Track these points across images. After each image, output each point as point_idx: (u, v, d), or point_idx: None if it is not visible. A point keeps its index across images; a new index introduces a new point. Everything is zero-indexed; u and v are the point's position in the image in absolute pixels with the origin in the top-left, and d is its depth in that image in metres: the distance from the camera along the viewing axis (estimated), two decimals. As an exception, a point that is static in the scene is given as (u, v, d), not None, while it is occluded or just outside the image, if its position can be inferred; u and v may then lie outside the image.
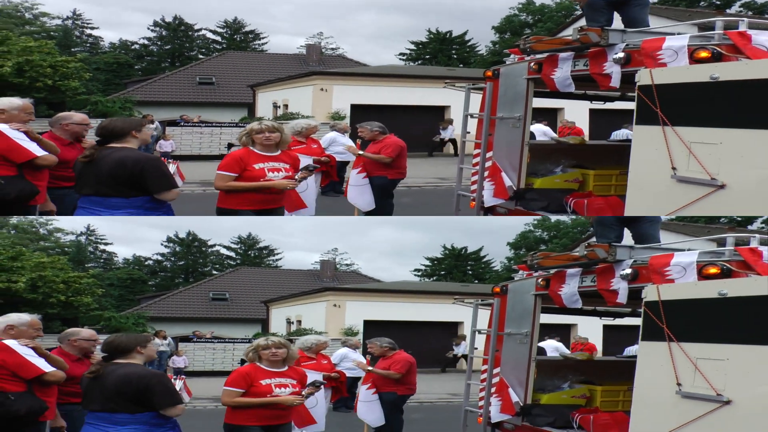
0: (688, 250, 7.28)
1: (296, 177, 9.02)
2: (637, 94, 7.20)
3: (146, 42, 63.63)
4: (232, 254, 67.72)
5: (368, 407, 13.13)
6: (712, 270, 6.72)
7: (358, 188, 13.97)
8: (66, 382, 8.11)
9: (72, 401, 8.32)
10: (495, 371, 9.39)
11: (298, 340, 13.28)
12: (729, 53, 6.88)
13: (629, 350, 18.90)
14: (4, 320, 8.02)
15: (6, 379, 7.62)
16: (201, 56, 59.65)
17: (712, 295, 6.45)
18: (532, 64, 9.01)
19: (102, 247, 67.32)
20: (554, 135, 22.52)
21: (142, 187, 7.17)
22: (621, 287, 7.60)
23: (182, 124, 28.99)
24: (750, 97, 6.50)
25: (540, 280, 8.70)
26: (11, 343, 7.76)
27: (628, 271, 7.45)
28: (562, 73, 8.58)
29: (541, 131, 22.56)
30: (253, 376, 8.44)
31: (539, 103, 9.81)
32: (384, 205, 14.04)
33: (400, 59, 61.15)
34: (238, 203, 8.88)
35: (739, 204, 6.73)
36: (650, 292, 6.92)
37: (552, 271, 8.54)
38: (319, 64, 47.92)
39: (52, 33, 55.70)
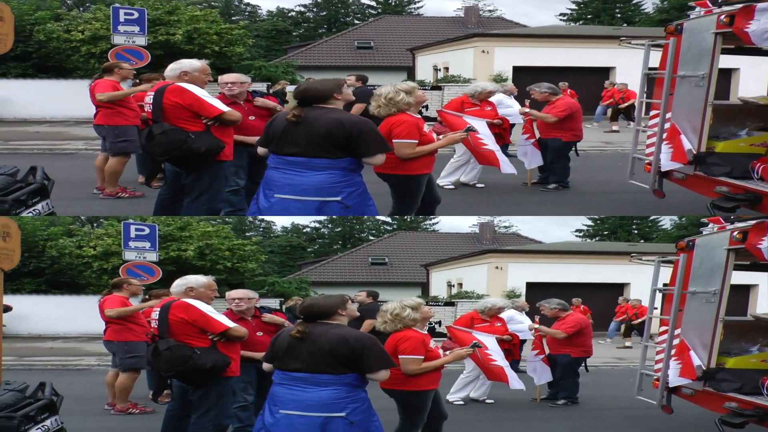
0: None
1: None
2: None
3: (302, 9, 64.35)
4: (388, 220, 68.13)
5: (531, 366, 13.27)
6: None
7: (521, 148, 14.11)
8: None
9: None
10: (676, 332, 9.08)
11: (480, 301, 13.41)
12: None
13: None
14: (183, 282, 8.23)
15: (192, 336, 7.87)
16: (357, 21, 59.88)
17: None
18: (723, 16, 8.55)
19: (260, 217, 68.71)
20: None
21: (351, 149, 7.06)
22: None
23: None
24: None
25: (736, 233, 8.26)
26: (193, 301, 8.00)
27: None
28: (760, 26, 8.07)
29: None
30: (426, 341, 8.29)
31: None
32: (559, 168, 13.87)
33: (561, 20, 60.01)
34: (423, 167, 8.78)
35: None
36: None
37: (751, 222, 8.13)
38: (477, 26, 47.46)
39: (213, 3, 56.85)
